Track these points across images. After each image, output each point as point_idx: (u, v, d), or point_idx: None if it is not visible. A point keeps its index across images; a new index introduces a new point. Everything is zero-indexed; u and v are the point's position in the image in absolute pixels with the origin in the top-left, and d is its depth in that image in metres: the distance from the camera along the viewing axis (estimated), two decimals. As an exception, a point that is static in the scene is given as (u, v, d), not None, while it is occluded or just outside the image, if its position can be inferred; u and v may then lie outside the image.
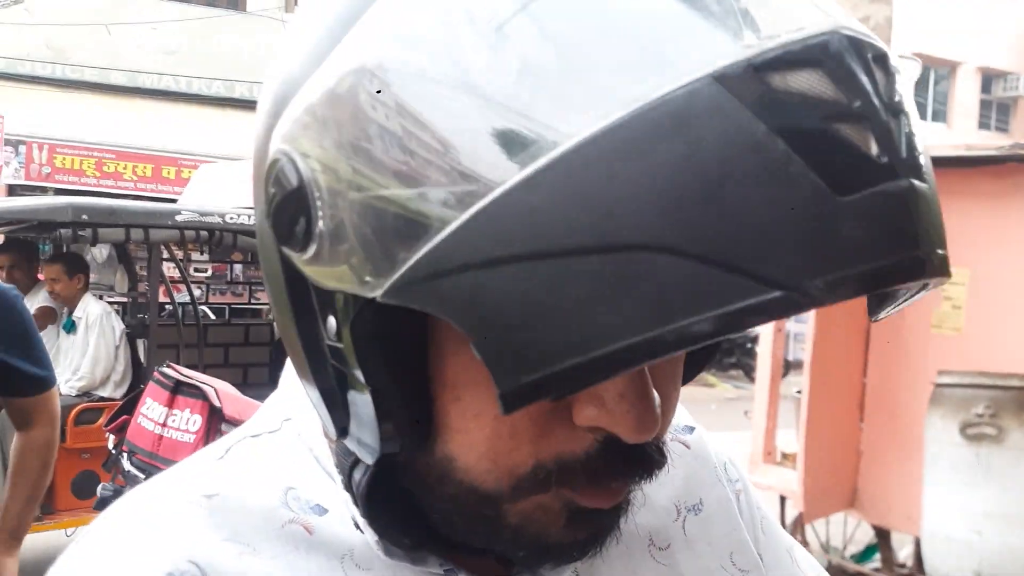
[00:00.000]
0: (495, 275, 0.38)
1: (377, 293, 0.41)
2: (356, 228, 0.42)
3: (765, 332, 3.02)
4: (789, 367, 7.24)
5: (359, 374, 0.47)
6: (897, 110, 0.40)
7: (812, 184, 0.36)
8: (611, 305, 0.37)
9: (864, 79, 0.39)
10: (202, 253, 7.10)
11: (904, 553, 4.18)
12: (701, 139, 0.36)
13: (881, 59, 0.40)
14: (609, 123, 0.37)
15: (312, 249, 0.45)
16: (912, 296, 0.45)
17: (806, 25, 0.39)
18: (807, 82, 0.38)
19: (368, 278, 0.42)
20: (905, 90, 0.41)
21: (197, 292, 6.54)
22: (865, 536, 4.47)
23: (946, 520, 2.17)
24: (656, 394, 0.47)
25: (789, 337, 4.74)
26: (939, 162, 2.93)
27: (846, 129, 0.38)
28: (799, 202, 0.36)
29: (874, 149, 0.38)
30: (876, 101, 0.39)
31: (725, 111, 0.37)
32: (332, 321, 0.47)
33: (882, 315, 0.47)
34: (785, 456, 4.26)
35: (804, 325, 2.80)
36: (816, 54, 0.38)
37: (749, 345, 11.83)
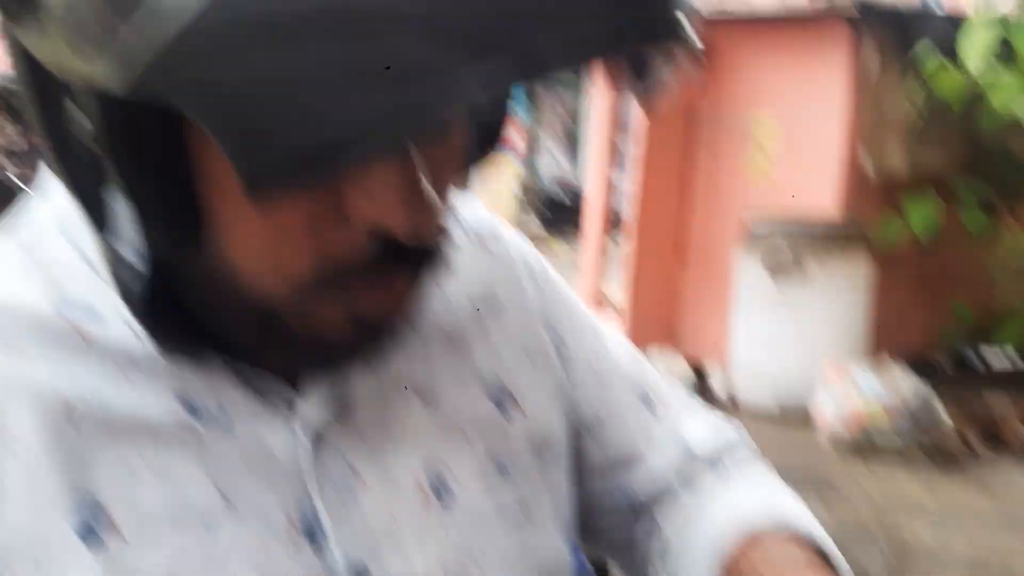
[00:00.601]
0: (224, 53, 0.35)
1: (103, 78, 0.38)
2: None
3: (592, 183, 3.11)
4: (620, 221, 7.45)
5: (111, 168, 0.44)
6: None
7: None
8: (340, 83, 0.35)
9: None
10: (15, 124, 6.59)
11: (719, 386, 4.51)
12: None
13: None
14: None
15: (31, 23, 0.40)
16: (662, 65, 0.45)
17: None
18: None
19: (94, 64, 0.38)
20: None
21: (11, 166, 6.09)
22: (685, 373, 4.79)
23: (750, 349, 2.34)
24: (430, 188, 0.46)
25: (617, 191, 4.87)
26: (757, 19, 3.02)
27: None
28: None
29: None
30: None
31: None
32: (75, 110, 0.43)
33: (643, 91, 0.46)
34: (613, 304, 4.47)
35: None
36: None
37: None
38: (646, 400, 0.77)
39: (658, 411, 0.77)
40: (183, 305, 0.51)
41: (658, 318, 2.91)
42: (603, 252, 3.15)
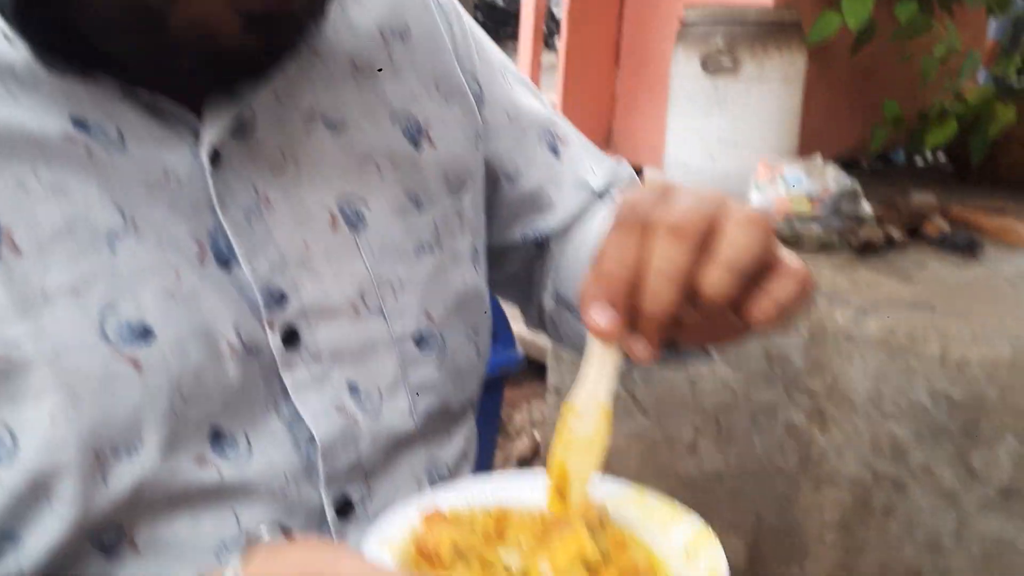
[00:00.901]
0: None
1: None
2: None
3: (528, -17, 3.00)
4: (558, 24, 7.28)
5: None
6: None
7: None
8: None
9: None
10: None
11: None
12: None
13: None
14: None
15: None
16: None
17: None
18: None
19: None
20: None
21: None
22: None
23: (685, 149, 2.34)
24: None
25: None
26: None
27: None
28: None
29: None
30: None
31: None
32: None
33: None
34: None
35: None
36: None
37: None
38: (552, 146, 0.79)
39: (563, 155, 0.80)
40: (60, 14, 0.49)
41: (595, 121, 2.89)
42: (539, 57, 3.08)
